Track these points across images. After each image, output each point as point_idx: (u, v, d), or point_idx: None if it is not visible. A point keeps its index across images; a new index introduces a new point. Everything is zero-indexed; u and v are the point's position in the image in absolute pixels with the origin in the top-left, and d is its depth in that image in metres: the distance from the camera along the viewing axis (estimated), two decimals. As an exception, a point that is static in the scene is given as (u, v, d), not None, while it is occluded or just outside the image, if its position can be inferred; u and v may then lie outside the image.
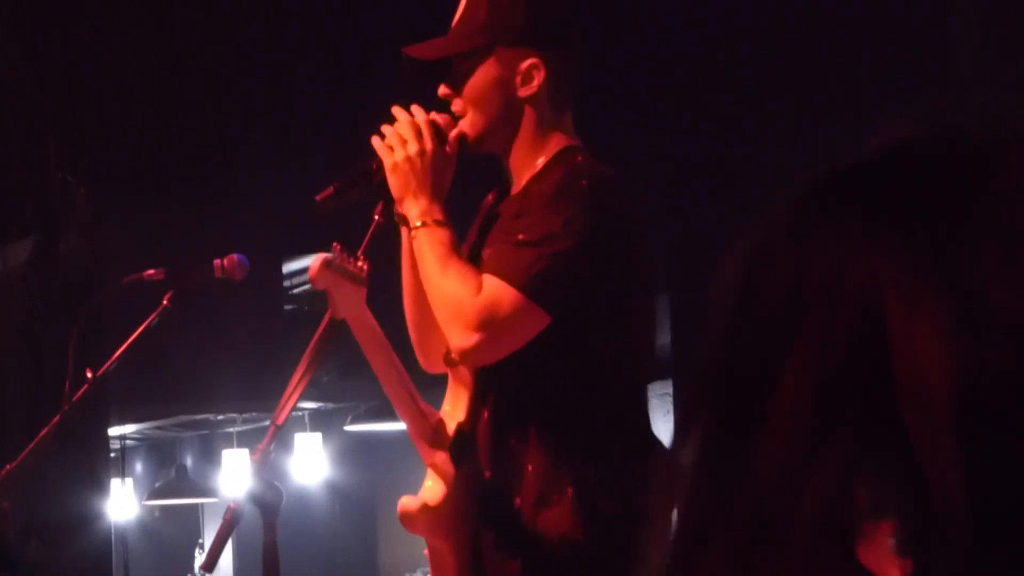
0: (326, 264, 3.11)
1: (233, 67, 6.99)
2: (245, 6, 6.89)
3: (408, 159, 3.15)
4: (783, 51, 6.49)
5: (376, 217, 3.22)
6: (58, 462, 6.18)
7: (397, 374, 3.21)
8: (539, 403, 3.10)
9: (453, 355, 3.10)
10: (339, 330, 3.19)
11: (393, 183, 3.16)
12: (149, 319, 4.09)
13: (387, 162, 3.17)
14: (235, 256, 4.30)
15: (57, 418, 3.95)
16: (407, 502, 3.20)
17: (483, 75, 3.17)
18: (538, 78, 3.16)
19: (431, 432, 3.21)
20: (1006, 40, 6.01)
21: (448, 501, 3.17)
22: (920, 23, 6.26)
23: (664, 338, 6.85)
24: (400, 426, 4.36)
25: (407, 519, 3.20)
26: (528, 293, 2.99)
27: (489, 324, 3.00)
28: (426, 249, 3.12)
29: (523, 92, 3.17)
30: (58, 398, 3.97)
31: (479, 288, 3.03)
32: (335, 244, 3.15)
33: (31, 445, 3.94)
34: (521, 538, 3.09)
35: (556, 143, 3.20)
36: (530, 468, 3.07)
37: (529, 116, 3.19)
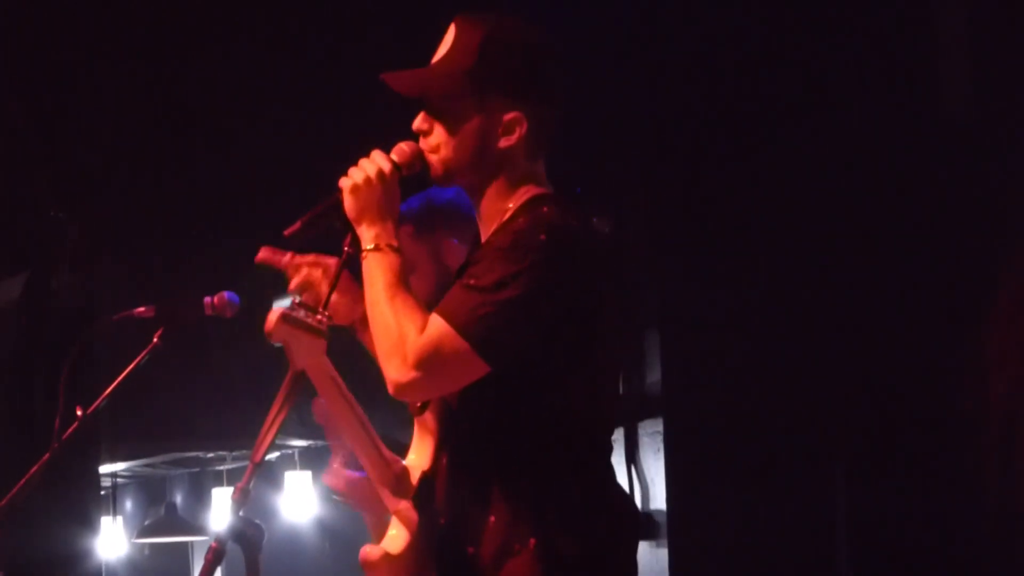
0: (283, 318, 3.08)
1: (228, 102, 7.00)
2: (238, 43, 6.90)
3: (367, 180, 3.15)
4: (771, 89, 6.51)
5: (347, 249, 3.21)
6: (48, 499, 6.16)
7: (359, 423, 3.19)
8: (501, 454, 3.08)
9: (388, 387, 3.06)
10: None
11: (350, 205, 3.15)
12: (139, 356, 4.09)
13: (346, 184, 3.17)
14: (225, 294, 4.30)
15: (47, 455, 3.95)
16: (369, 551, 3.19)
17: (465, 120, 3.15)
18: (519, 132, 3.15)
19: (394, 480, 3.20)
20: (994, 79, 6.03)
21: (410, 550, 3.16)
22: (909, 62, 6.29)
23: (655, 375, 6.85)
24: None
25: (369, 567, 3.19)
26: (470, 339, 2.96)
27: (427, 365, 2.98)
28: (376, 273, 3.10)
29: (502, 143, 3.15)
30: (48, 435, 3.97)
31: (423, 325, 3.00)
32: (294, 299, 3.13)
33: (21, 482, 3.94)
34: None
35: (526, 190, 3.18)
36: (493, 519, 3.05)
37: (504, 166, 3.17)
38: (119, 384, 4.06)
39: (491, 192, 3.19)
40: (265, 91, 7.04)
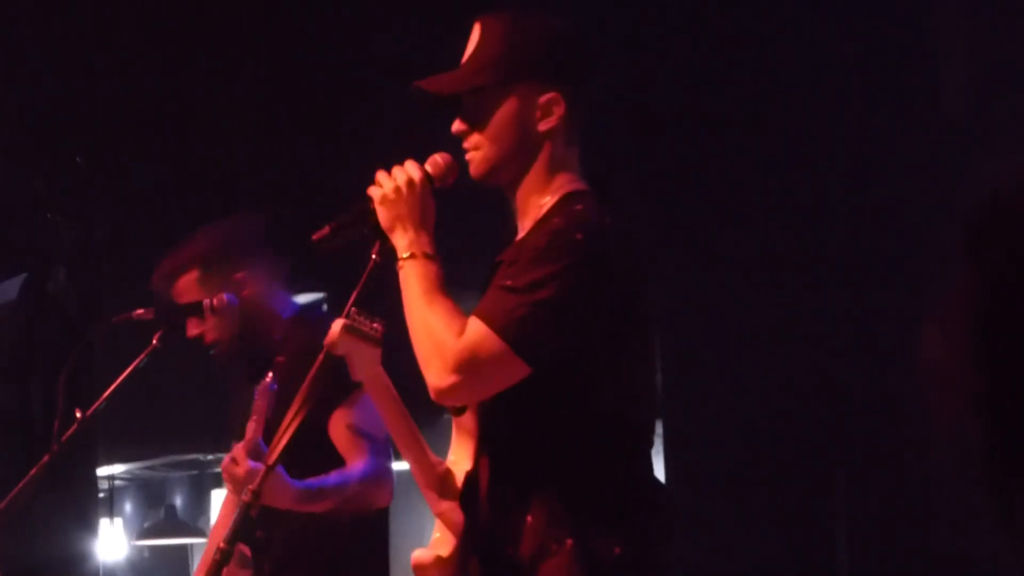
0: (346, 330, 3.10)
1: (225, 103, 7.00)
2: (237, 43, 6.90)
3: (397, 190, 3.14)
4: (771, 89, 6.50)
5: (374, 256, 3.20)
6: (47, 502, 6.17)
7: (409, 429, 3.20)
8: (539, 455, 3.08)
9: (430, 393, 3.05)
10: (329, 375, 3.18)
11: (382, 215, 3.15)
12: (138, 359, 4.09)
13: (376, 195, 3.16)
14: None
15: (46, 458, 3.95)
16: (421, 554, 3.18)
17: (502, 110, 3.15)
18: (557, 112, 3.15)
19: (439, 482, 3.20)
20: (995, 85, 6.03)
21: (458, 551, 3.16)
22: (910, 68, 6.28)
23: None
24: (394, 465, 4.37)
25: (421, 571, 3.19)
26: (509, 339, 2.96)
27: (467, 368, 2.98)
28: (412, 281, 3.10)
29: (542, 126, 3.15)
30: (47, 437, 3.97)
31: (462, 329, 3.00)
32: (351, 307, 3.13)
33: (20, 485, 3.94)
34: None
35: (562, 183, 3.17)
36: (530, 520, 3.04)
37: (545, 150, 3.16)
38: (118, 386, 4.06)
39: (529, 184, 3.18)
40: (264, 92, 7.04)
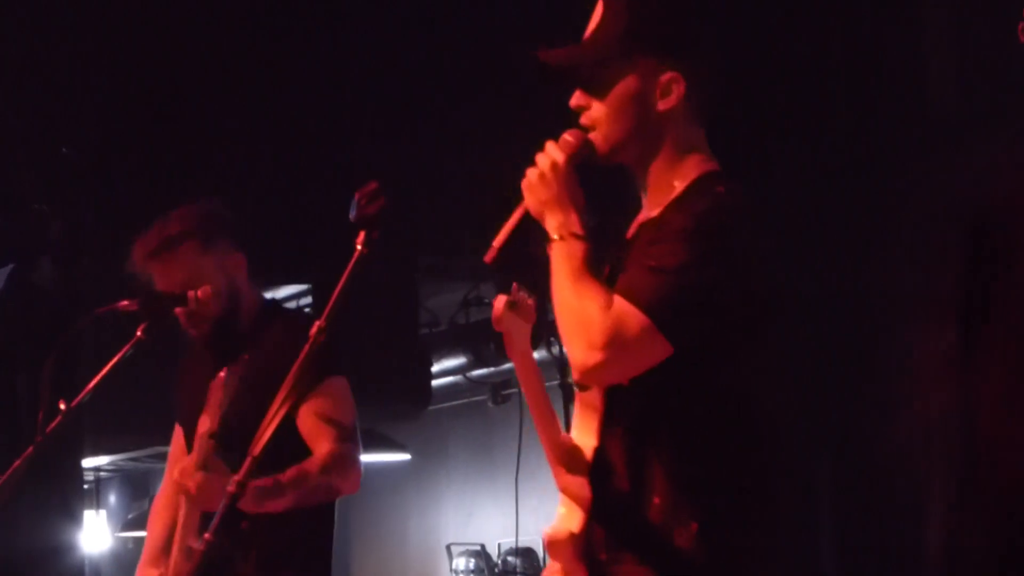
0: (510, 306, 3.15)
1: (216, 97, 6.99)
2: (229, 36, 6.89)
3: (541, 175, 3.12)
4: (760, 88, 6.51)
5: (358, 246, 3.18)
6: (32, 493, 6.16)
7: (547, 406, 3.22)
8: (668, 435, 3.08)
9: (573, 372, 3.06)
10: (310, 367, 3.16)
11: (531, 202, 3.14)
12: (123, 350, 4.08)
13: (524, 184, 3.15)
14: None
15: (31, 449, 3.94)
16: (553, 531, 3.19)
17: (622, 86, 3.13)
18: (677, 92, 3.13)
19: (568, 457, 3.20)
20: (981, 75, 6.04)
21: (587, 526, 3.16)
22: (898, 60, 6.29)
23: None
24: (373, 458, 4.35)
25: (556, 547, 3.18)
26: (655, 318, 2.96)
27: (614, 344, 2.97)
28: (560, 263, 3.09)
29: (662, 106, 3.13)
30: (32, 429, 3.96)
31: (608, 306, 2.99)
32: (515, 284, 3.17)
33: (4, 476, 3.93)
34: (649, 567, 3.08)
35: (694, 165, 3.18)
36: (657, 501, 3.06)
37: (666, 132, 3.15)
38: (102, 377, 4.05)
39: (657, 165, 3.18)
40: (256, 87, 7.04)
